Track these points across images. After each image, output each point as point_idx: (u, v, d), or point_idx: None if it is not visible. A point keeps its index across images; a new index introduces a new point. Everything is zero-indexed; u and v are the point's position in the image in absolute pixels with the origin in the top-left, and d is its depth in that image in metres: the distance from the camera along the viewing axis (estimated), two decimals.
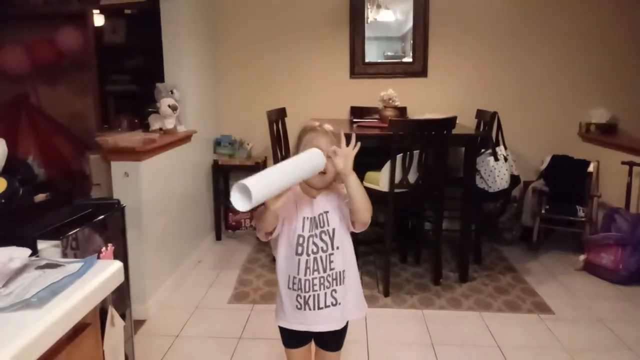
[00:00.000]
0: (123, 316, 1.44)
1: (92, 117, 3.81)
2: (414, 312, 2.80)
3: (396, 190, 2.92)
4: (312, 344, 1.68)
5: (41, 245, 1.03)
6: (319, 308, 1.51)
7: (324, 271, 1.50)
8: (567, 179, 3.71)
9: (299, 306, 1.52)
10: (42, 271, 0.93)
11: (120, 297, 1.41)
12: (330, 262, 1.50)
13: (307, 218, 1.49)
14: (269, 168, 1.26)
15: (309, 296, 1.50)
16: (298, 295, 1.51)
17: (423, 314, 2.79)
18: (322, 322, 1.54)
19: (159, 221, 2.92)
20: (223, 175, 4.12)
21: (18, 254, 0.95)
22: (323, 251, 1.49)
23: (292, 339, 1.61)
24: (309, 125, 1.54)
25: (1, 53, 3.62)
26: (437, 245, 3.16)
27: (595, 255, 3.27)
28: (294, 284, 1.51)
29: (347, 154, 1.40)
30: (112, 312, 1.21)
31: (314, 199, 1.52)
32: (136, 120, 3.36)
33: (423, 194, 3.08)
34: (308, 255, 1.49)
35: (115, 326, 1.23)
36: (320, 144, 1.46)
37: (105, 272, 0.95)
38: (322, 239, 1.50)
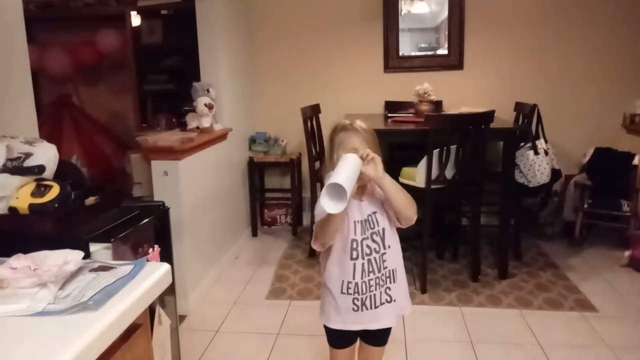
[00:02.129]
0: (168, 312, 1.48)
1: (132, 116, 3.91)
2: (452, 309, 2.78)
3: (433, 187, 2.89)
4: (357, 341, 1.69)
5: (93, 247, 1.07)
6: (375, 307, 1.53)
7: (379, 271, 1.52)
8: (610, 172, 3.58)
9: (355, 308, 1.53)
10: (96, 274, 0.96)
11: (165, 294, 1.44)
12: (384, 261, 1.52)
13: (358, 221, 1.49)
14: (336, 170, 1.27)
15: (366, 297, 1.52)
16: (355, 298, 1.52)
17: (461, 311, 2.76)
18: (379, 319, 1.56)
19: (198, 218, 2.97)
20: (258, 172, 4.17)
21: (72, 257, 0.99)
22: (376, 252, 1.51)
23: (341, 339, 1.62)
24: (339, 125, 1.53)
25: (44, 55, 3.74)
26: (475, 241, 3.12)
27: None
28: (348, 288, 1.51)
29: (375, 159, 1.39)
30: (159, 311, 1.25)
31: (361, 202, 1.52)
32: (174, 120, 3.43)
33: (461, 189, 3.04)
34: (363, 258, 1.50)
35: (163, 324, 1.26)
36: (354, 144, 1.46)
37: (155, 275, 0.98)
38: (373, 240, 1.50)
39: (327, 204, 1.22)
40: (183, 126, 3.26)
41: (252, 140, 4.04)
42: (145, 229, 1.22)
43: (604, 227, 3.68)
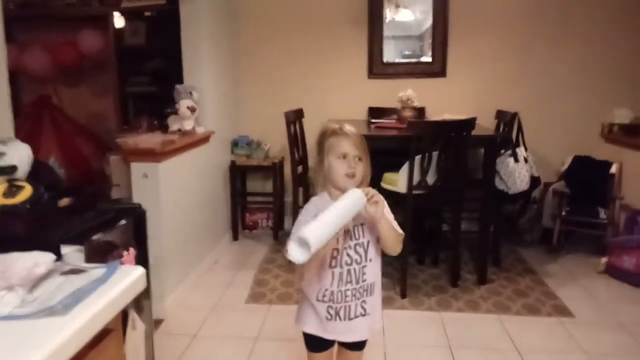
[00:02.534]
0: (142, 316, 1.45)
1: (113, 118, 3.86)
2: (432, 315, 2.79)
3: (414, 192, 2.90)
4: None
5: (65, 250, 1.05)
6: (349, 319, 1.52)
7: (357, 283, 1.50)
8: (588, 180, 3.64)
9: (329, 317, 1.52)
10: (66, 277, 0.94)
11: (140, 298, 1.42)
12: (363, 274, 1.50)
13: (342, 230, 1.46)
14: (319, 217, 1.25)
15: (340, 307, 1.51)
16: (329, 306, 1.51)
17: (441, 316, 2.77)
18: (352, 331, 1.55)
19: (177, 222, 2.94)
20: (240, 176, 4.15)
21: (43, 260, 0.97)
22: (357, 263, 1.49)
23: (318, 343, 1.61)
24: (329, 129, 1.51)
25: (24, 54, 3.69)
26: (455, 246, 3.14)
27: (617, 258, 3.22)
28: (324, 295, 1.50)
29: (380, 200, 1.39)
30: (133, 316, 1.23)
31: None
32: (155, 122, 3.40)
33: (442, 195, 3.06)
34: (342, 267, 1.48)
35: (137, 329, 1.24)
36: (344, 148, 1.46)
37: (128, 279, 0.96)
38: (356, 251, 1.49)
39: (295, 254, 1.21)
40: (165, 129, 3.23)
41: (235, 144, 4.02)
42: (121, 231, 1.20)
43: (582, 234, 3.74)
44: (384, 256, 1.58)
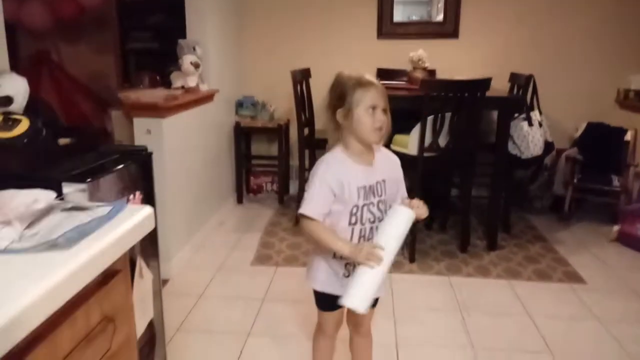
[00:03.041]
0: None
1: (113, 75, 3.74)
2: (441, 279, 2.73)
3: (425, 154, 2.81)
4: None
5: (67, 189, 0.97)
6: None
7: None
8: (602, 147, 3.55)
9: (346, 274, 1.47)
10: (69, 213, 0.86)
11: (149, 252, 1.35)
12: (369, 233, 1.47)
13: (362, 188, 1.42)
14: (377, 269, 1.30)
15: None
16: (347, 264, 1.46)
17: (450, 280, 2.72)
18: None
19: (181, 181, 2.86)
20: (245, 138, 4.04)
21: (43, 196, 0.89)
22: (379, 220, 1.44)
23: (330, 302, 1.54)
24: (351, 79, 1.40)
25: (22, 8, 3.54)
26: (465, 211, 3.07)
27: (630, 225, 3.15)
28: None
29: (420, 204, 1.43)
30: (140, 263, 1.16)
31: (370, 167, 1.45)
32: (158, 78, 3.28)
33: (453, 158, 2.97)
34: (362, 224, 1.44)
35: (144, 278, 1.17)
36: (374, 100, 1.38)
37: (135, 217, 0.88)
38: (378, 208, 1.45)
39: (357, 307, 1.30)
40: (168, 86, 3.12)
41: (239, 105, 3.91)
42: (126, 174, 1.11)
43: (593, 202, 3.66)
44: None
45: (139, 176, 1.16)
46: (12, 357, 0.61)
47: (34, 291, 0.62)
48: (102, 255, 0.77)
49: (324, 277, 1.51)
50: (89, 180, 0.90)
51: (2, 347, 0.56)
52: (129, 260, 0.95)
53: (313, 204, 1.37)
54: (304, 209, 1.37)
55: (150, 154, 1.25)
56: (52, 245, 0.73)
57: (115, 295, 0.86)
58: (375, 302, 1.61)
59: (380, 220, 1.44)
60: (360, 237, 1.44)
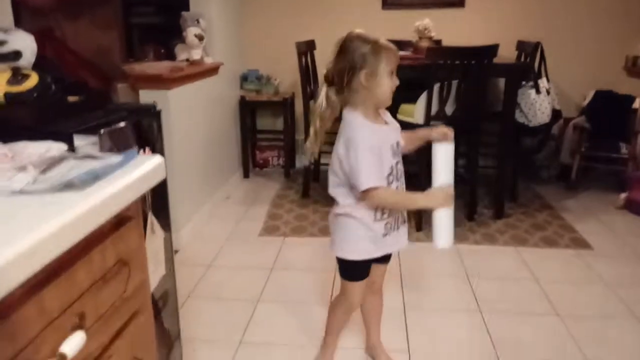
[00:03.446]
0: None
1: (117, 50, 3.73)
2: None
3: (431, 123, 2.80)
4: None
5: (78, 141, 0.98)
6: (397, 229, 1.54)
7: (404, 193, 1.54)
8: (610, 115, 3.52)
9: (385, 233, 1.50)
10: (82, 160, 0.87)
11: (160, 212, 1.36)
12: (404, 184, 1.55)
13: (391, 146, 1.47)
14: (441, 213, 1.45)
15: (393, 219, 1.51)
16: (387, 223, 1.50)
17: (457, 248, 2.73)
18: (399, 240, 1.57)
19: (188, 154, 2.87)
20: (250, 112, 4.03)
21: (55, 146, 0.90)
22: (403, 176, 1.52)
23: (365, 269, 1.58)
24: (379, 42, 1.39)
25: None
26: (472, 181, 3.06)
27: (638, 192, 3.15)
28: (383, 213, 1.47)
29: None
30: (152, 219, 1.17)
31: (388, 127, 1.49)
32: (162, 51, 3.27)
33: (460, 127, 2.94)
34: (398, 180, 1.49)
35: (156, 234, 1.19)
36: (394, 64, 1.42)
37: (146, 165, 0.89)
38: (402, 165, 1.52)
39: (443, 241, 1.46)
40: (172, 59, 3.11)
41: (244, 78, 3.90)
42: (136, 129, 1.12)
43: (601, 170, 3.65)
44: None
45: (149, 132, 1.16)
46: (31, 288, 0.62)
47: (49, 226, 0.63)
48: (115, 198, 0.78)
49: (363, 245, 1.51)
50: (101, 131, 0.90)
51: (19, 276, 0.57)
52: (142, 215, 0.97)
53: (372, 174, 1.39)
54: (367, 183, 1.37)
55: (160, 111, 1.26)
56: (67, 185, 0.74)
57: (129, 241, 0.87)
58: (388, 258, 1.63)
59: (403, 175, 1.51)
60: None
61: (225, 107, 3.58)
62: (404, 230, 1.58)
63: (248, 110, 3.95)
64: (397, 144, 1.50)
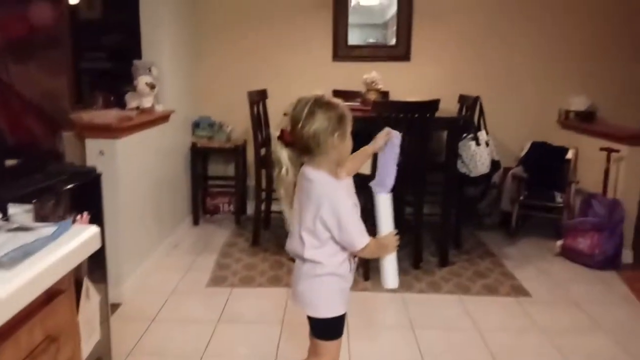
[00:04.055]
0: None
1: (66, 95, 3.67)
2: (394, 296, 2.79)
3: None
4: None
5: (12, 209, 0.97)
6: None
7: None
8: (546, 165, 3.74)
9: (353, 268, 1.58)
10: (14, 234, 0.87)
11: (96, 276, 1.34)
12: None
13: (355, 203, 1.54)
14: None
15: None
16: (355, 273, 1.59)
17: (403, 297, 2.78)
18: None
19: (135, 203, 2.84)
20: (201, 158, 4.04)
21: None
22: None
23: (343, 322, 1.60)
24: (341, 108, 1.47)
25: None
26: (418, 229, 3.16)
27: (573, 240, 3.31)
28: (352, 263, 1.55)
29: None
30: (87, 284, 1.16)
31: (347, 178, 1.56)
32: (112, 98, 3.25)
33: (405, 177, 3.05)
34: None
35: (91, 299, 1.17)
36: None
37: (80, 237, 0.89)
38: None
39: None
40: (122, 106, 3.10)
41: (196, 125, 3.91)
42: (73, 195, 1.12)
43: (539, 218, 3.83)
44: None
45: (87, 197, 1.16)
46: None
47: None
48: (45, 275, 0.78)
49: (344, 297, 1.56)
50: (34, 201, 0.90)
51: None
52: (76, 281, 0.96)
53: (362, 231, 1.45)
54: (361, 242, 1.45)
55: (99, 175, 1.26)
56: None
57: (59, 315, 0.86)
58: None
59: None
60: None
61: (176, 154, 3.57)
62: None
63: (199, 156, 3.95)
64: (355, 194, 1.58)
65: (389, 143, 1.62)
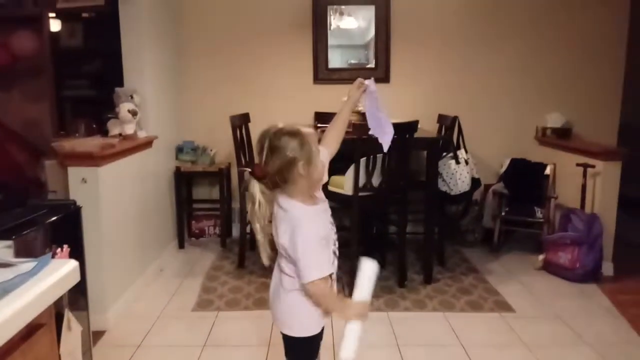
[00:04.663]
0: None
1: (48, 123, 3.69)
2: (380, 315, 2.81)
3: (360, 194, 2.93)
4: None
5: None
6: None
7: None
8: (525, 181, 3.81)
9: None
10: None
11: (78, 305, 1.36)
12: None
13: (331, 223, 1.56)
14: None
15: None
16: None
17: (388, 316, 2.80)
18: None
19: (119, 229, 2.84)
20: (186, 182, 4.05)
21: None
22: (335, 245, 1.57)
23: (319, 340, 1.60)
24: (306, 132, 1.46)
25: None
26: (401, 248, 3.19)
27: (554, 254, 3.37)
28: (331, 278, 1.52)
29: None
30: (68, 315, 1.17)
31: (323, 203, 1.55)
32: (94, 126, 3.27)
33: (387, 196, 3.11)
34: (335, 255, 1.54)
35: (73, 331, 1.18)
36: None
37: (60, 271, 0.91)
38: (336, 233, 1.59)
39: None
40: (105, 134, 3.12)
41: (179, 150, 3.94)
42: (53, 228, 1.14)
43: (520, 233, 3.90)
44: None
45: (67, 230, 1.18)
46: None
47: None
48: (25, 311, 0.80)
49: (317, 317, 1.54)
50: (14, 237, 0.92)
51: None
52: (57, 314, 0.98)
53: (319, 266, 1.42)
54: (313, 275, 1.41)
55: (79, 207, 1.28)
56: None
57: (40, 349, 0.88)
58: None
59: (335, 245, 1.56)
60: (334, 263, 1.53)
61: (160, 179, 3.58)
62: None
63: (184, 180, 3.97)
64: (330, 216, 1.57)
65: (367, 93, 1.60)
